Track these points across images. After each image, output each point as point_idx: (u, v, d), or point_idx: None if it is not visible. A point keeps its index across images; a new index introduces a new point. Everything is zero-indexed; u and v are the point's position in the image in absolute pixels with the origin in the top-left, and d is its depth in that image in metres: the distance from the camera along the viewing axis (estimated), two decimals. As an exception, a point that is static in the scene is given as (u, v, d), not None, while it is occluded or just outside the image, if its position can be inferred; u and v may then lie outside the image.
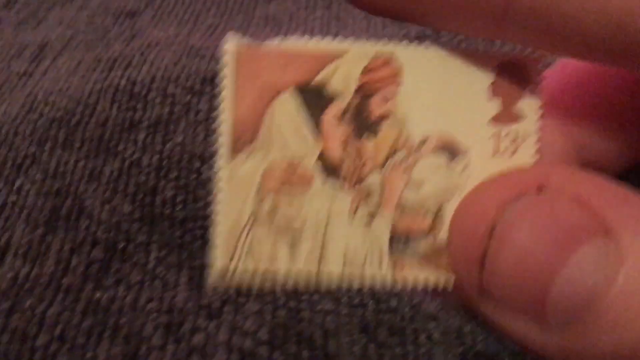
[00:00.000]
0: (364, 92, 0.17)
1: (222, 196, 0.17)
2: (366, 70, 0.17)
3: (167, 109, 0.26)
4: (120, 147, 0.25)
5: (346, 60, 0.17)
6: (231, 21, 0.35)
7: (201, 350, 0.19)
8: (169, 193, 0.23)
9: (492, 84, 0.18)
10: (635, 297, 0.14)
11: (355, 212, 0.17)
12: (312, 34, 0.33)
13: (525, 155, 0.18)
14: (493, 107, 0.18)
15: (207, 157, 0.24)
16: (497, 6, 0.16)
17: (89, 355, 0.19)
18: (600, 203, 0.15)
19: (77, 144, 0.26)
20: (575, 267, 0.15)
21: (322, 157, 0.17)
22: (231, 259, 0.17)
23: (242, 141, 0.17)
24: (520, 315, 0.16)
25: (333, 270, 0.17)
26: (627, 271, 0.15)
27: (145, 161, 0.24)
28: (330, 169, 0.17)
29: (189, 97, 0.27)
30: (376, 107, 0.17)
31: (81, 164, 0.25)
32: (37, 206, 0.23)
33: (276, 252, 0.17)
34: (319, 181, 0.17)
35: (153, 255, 0.22)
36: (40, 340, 0.19)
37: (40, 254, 0.22)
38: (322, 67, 0.17)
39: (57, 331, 0.20)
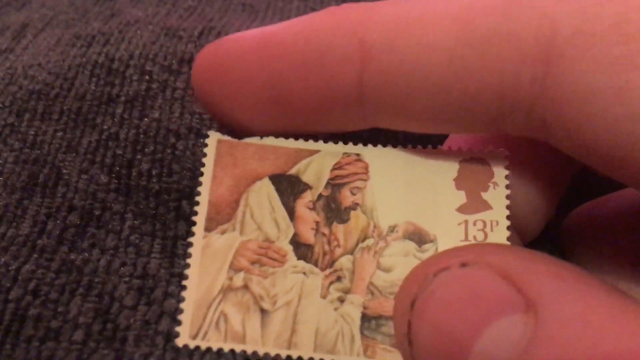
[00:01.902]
0: (334, 185, 0.19)
1: (194, 266, 0.18)
2: (336, 167, 0.19)
3: (144, 86, 0.27)
4: (98, 120, 0.26)
5: (318, 157, 0.19)
6: (209, 5, 0.35)
7: (172, 314, 0.20)
8: (145, 166, 0.24)
9: (455, 178, 0.19)
10: None
11: (326, 293, 0.18)
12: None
13: (496, 241, 0.18)
14: (459, 198, 0.18)
15: (182, 134, 0.25)
16: (350, 92, 0.17)
17: (61, 309, 0.20)
18: (525, 278, 0.15)
19: (56, 116, 0.26)
20: (490, 341, 0.14)
21: (294, 239, 0.18)
22: (198, 331, 0.18)
23: (217, 220, 0.18)
24: None
25: (304, 351, 0.17)
26: (544, 346, 0.14)
27: (122, 135, 0.25)
28: (302, 250, 0.18)
29: (166, 75, 0.28)
30: (345, 198, 0.19)
31: (59, 134, 0.26)
32: (15, 172, 0.24)
33: (245, 329, 0.17)
34: (291, 261, 0.18)
35: (128, 223, 0.22)
36: (14, 294, 0.20)
37: (17, 216, 0.23)
38: (296, 162, 0.19)
39: (31, 286, 0.20)
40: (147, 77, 0.28)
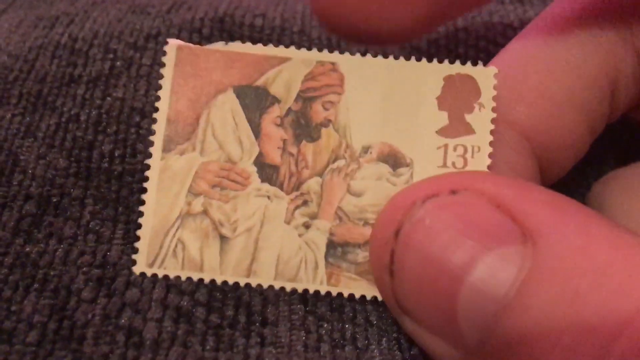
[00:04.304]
0: (305, 98, 0.17)
1: (152, 190, 0.17)
2: (308, 77, 0.17)
3: (108, 64, 0.25)
4: (59, 102, 0.24)
5: (289, 66, 0.17)
6: (181, -19, 0.33)
7: (134, 305, 0.18)
8: (107, 147, 0.22)
9: (438, 97, 0.17)
10: (548, 310, 0.12)
11: (291, 218, 0.17)
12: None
13: (477, 169, 0.17)
14: (441, 119, 0.17)
15: (147, 112, 0.23)
16: None
17: (14, 308, 0.18)
18: (520, 207, 0.13)
19: (14, 100, 0.25)
20: (484, 274, 0.13)
21: (259, 159, 0.17)
22: (155, 259, 0.17)
23: (176, 139, 0.17)
24: (437, 338, 0.14)
25: (264, 279, 0.16)
26: (544, 280, 0.13)
27: (83, 116, 0.23)
28: (267, 172, 0.17)
29: (131, 52, 0.26)
30: (316, 114, 0.17)
31: (17, 119, 0.24)
32: (-32, 162, 0.22)
33: (203, 257, 0.16)
34: (255, 183, 0.17)
35: (88, 209, 0.21)
36: (-36, 293, 0.19)
37: (-30, 209, 0.21)
38: (264, 71, 0.17)
39: (-17, 285, 0.19)
40: (111, 55, 0.26)
